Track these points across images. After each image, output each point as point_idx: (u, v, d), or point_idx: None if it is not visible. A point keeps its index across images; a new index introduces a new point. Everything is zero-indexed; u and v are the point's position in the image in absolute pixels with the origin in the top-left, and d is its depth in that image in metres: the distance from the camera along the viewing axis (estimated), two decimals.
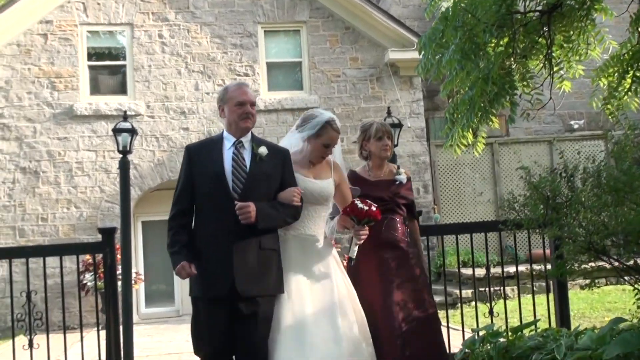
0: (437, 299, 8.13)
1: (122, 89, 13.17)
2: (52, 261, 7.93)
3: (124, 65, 13.19)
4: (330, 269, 4.57)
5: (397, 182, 5.08)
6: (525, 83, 5.91)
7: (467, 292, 11.17)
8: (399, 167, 5.23)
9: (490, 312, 6.09)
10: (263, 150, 4.34)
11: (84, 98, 12.94)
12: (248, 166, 4.31)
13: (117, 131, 7.59)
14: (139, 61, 13.08)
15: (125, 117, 7.80)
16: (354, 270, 4.80)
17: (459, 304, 7.08)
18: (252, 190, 4.24)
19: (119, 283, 6.04)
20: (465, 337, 5.57)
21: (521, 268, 8.49)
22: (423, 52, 5.81)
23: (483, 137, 6.72)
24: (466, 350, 5.14)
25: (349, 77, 13.54)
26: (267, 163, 4.33)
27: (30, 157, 12.69)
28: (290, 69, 13.69)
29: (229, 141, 4.40)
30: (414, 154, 13.54)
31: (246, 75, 13.24)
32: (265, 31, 13.56)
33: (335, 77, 13.50)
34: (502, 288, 6.59)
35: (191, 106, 13.02)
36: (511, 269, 9.94)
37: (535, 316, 6.27)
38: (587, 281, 5.16)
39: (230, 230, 4.17)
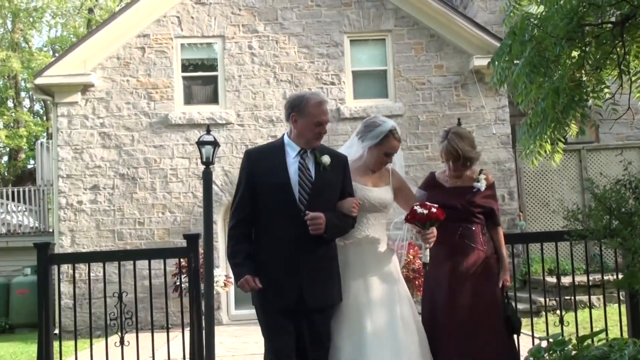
0: (522, 306, 8.18)
1: (214, 99, 13.74)
2: (151, 263, 8.49)
3: (216, 76, 13.75)
4: (391, 277, 4.53)
5: (474, 190, 4.85)
6: (596, 95, 5.95)
7: (552, 301, 11.15)
8: (481, 172, 4.97)
9: (561, 320, 6.14)
10: (326, 159, 4.28)
11: (178, 108, 13.58)
12: (313, 176, 4.25)
13: (200, 143, 8.02)
14: (229, 72, 13.61)
15: (208, 131, 8.21)
16: (428, 277, 4.85)
17: (543, 312, 7.15)
18: (318, 200, 4.18)
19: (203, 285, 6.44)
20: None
21: (608, 277, 8.42)
22: (492, 67, 5.96)
23: (560, 147, 6.75)
24: (531, 358, 5.24)
25: (434, 84, 13.66)
26: (329, 172, 4.28)
27: (128, 164, 13.42)
28: (376, 77, 13.92)
29: (292, 149, 4.32)
30: (499, 161, 13.52)
31: (332, 83, 13.57)
32: (351, 40, 13.86)
33: (420, 85, 13.64)
34: (583, 297, 6.64)
35: (279, 114, 13.44)
36: (597, 277, 9.84)
37: (607, 326, 6.28)
38: None
39: (296, 240, 4.12)
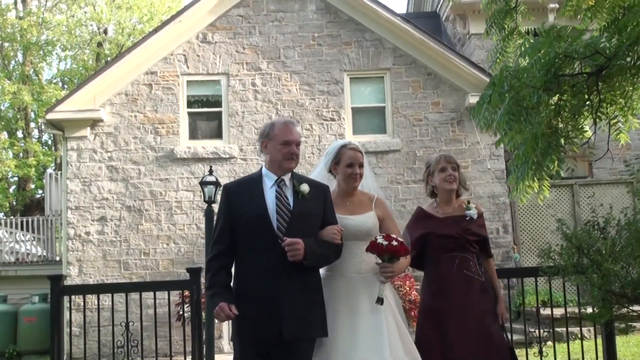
0: (516, 337, 8.54)
1: (218, 134, 14.23)
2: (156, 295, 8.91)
3: (220, 112, 14.25)
4: (382, 309, 4.33)
5: (467, 218, 4.84)
6: (570, 140, 6.40)
7: (546, 333, 11.44)
8: (469, 202, 5.01)
9: (540, 352, 6.53)
10: (305, 187, 4.25)
11: (183, 142, 14.07)
12: (292, 205, 4.21)
13: (203, 184, 8.50)
14: (233, 108, 14.11)
15: (210, 171, 8.68)
16: (426, 310, 4.78)
17: (536, 343, 7.50)
18: (297, 229, 4.12)
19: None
20: None
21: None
22: (476, 116, 6.42)
23: (546, 185, 7.18)
24: None
25: (431, 120, 14.13)
26: (309, 200, 4.25)
27: (135, 197, 13.88)
28: (375, 114, 14.40)
29: (269, 179, 4.30)
30: (494, 195, 13.93)
31: (332, 120, 14.05)
32: (351, 78, 14.36)
33: (417, 121, 14.11)
34: (574, 328, 6.96)
35: None
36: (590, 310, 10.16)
37: (583, 356, 6.66)
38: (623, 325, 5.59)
39: (275, 270, 4.05)
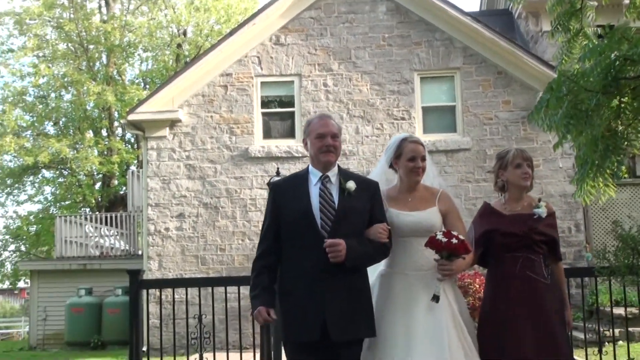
0: (589, 336, 8.56)
1: (290, 133, 14.62)
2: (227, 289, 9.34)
3: (293, 112, 14.64)
4: (442, 310, 4.16)
5: (535, 217, 4.56)
6: (630, 143, 6.46)
7: (617, 332, 11.42)
8: (539, 200, 4.75)
9: (600, 351, 6.61)
10: (351, 184, 4.11)
11: (257, 141, 14.51)
12: (336, 202, 4.09)
13: (270, 184, 8.83)
14: (305, 108, 14.47)
15: (277, 173, 9.02)
16: (485, 315, 4.52)
17: (609, 343, 7.55)
18: (341, 227, 4.02)
19: None
20: None
21: None
22: (533, 119, 6.55)
23: (613, 186, 7.25)
24: None
25: (501, 119, 14.15)
26: (355, 198, 4.11)
27: (211, 194, 14.40)
28: (445, 113, 14.52)
29: (314, 176, 4.18)
30: (566, 194, 13.85)
31: (403, 119, 14.24)
32: (421, 78, 14.52)
33: (487, 120, 14.16)
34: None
35: (352, 148, 14.19)
36: None
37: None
38: None
39: (319, 270, 3.96)
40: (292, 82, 14.74)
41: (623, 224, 5.93)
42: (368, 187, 4.23)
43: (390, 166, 4.56)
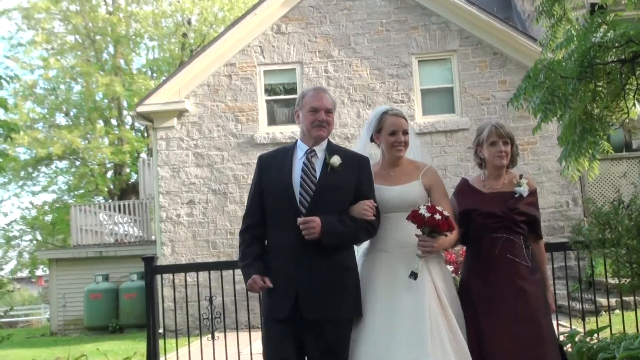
0: (587, 307, 8.95)
1: (294, 119, 14.99)
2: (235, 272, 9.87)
3: (295, 99, 15.03)
4: (424, 288, 3.97)
5: (516, 195, 4.34)
6: (604, 125, 6.92)
7: (612, 301, 11.90)
8: (521, 177, 4.45)
9: (582, 318, 7.08)
10: (335, 160, 3.95)
11: (262, 128, 15.00)
12: (318, 177, 3.94)
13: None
14: None
15: None
16: (463, 299, 4.23)
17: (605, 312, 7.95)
18: (321, 204, 3.87)
19: None
20: None
21: None
22: (513, 104, 7.00)
23: (597, 162, 7.71)
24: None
25: (498, 99, 14.55)
26: (340, 173, 3.94)
27: (219, 181, 14.92)
28: (443, 94, 14.94)
29: (301, 150, 4.05)
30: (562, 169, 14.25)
31: (402, 102, 14.67)
32: (419, 61, 14.93)
33: (484, 100, 14.58)
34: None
35: (354, 132, 14.64)
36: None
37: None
38: None
39: (297, 246, 3.83)
40: (294, 69, 15.18)
41: (623, 195, 6.40)
42: (356, 162, 4.05)
43: (372, 140, 4.37)
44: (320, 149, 4.04)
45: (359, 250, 4.28)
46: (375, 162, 4.33)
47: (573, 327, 7.14)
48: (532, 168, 14.23)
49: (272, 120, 15.17)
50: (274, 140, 14.80)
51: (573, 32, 7.18)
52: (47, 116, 27.72)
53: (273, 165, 4.07)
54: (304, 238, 3.79)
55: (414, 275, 3.92)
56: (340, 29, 15.03)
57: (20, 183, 28.61)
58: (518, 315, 4.13)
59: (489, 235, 4.28)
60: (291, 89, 15.23)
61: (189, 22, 28.06)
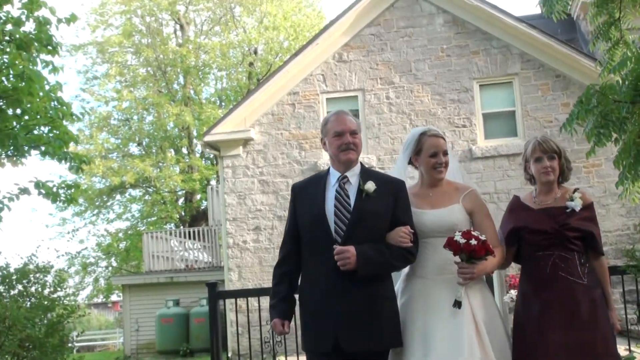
0: None
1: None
2: None
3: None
4: (462, 318, 3.84)
5: (567, 210, 4.14)
6: None
7: None
8: (575, 191, 4.25)
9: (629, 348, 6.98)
10: (370, 185, 3.83)
11: (325, 155, 15.17)
12: (352, 204, 3.82)
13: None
14: (370, 120, 15.14)
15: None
16: (518, 321, 4.17)
17: None
18: (357, 232, 3.76)
19: None
20: None
21: None
22: (567, 129, 7.04)
23: None
24: None
25: (561, 121, 14.23)
26: (375, 199, 3.82)
27: (284, 207, 15.19)
28: (505, 118, 14.94)
29: (334, 177, 3.93)
30: None
31: (464, 126, 14.73)
32: (480, 85, 14.99)
33: (547, 123, 14.50)
34: None
35: None
36: None
37: None
38: None
39: (333, 277, 3.73)
40: (356, 96, 15.43)
41: None
42: (392, 187, 3.94)
43: (410, 163, 4.26)
44: (352, 174, 3.93)
45: (399, 276, 4.19)
46: (414, 184, 4.26)
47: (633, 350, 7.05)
48: (598, 191, 14.05)
49: None
50: None
51: (629, 54, 7.18)
52: (121, 146, 28.67)
53: (306, 194, 3.97)
54: (339, 269, 3.70)
55: (457, 304, 3.83)
56: (401, 56, 15.23)
57: (95, 211, 29.59)
58: (571, 336, 3.93)
59: (541, 252, 4.12)
60: (354, 116, 15.41)
61: (255, 52, 28.71)
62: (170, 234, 22.12)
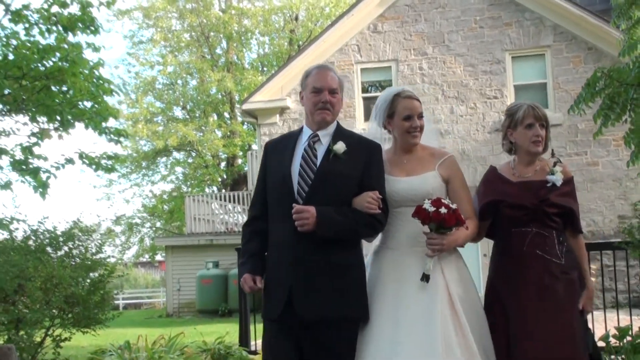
0: None
1: None
2: None
3: None
4: (435, 292, 3.55)
5: (548, 184, 3.84)
6: None
7: None
8: (555, 164, 3.91)
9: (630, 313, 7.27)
10: (339, 146, 3.54)
11: (359, 124, 15.65)
12: (318, 164, 3.53)
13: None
14: None
15: None
16: (488, 298, 3.91)
17: None
18: (320, 193, 3.47)
19: None
20: None
21: None
22: (574, 110, 7.37)
23: None
24: (601, 341, 6.58)
25: None
26: (344, 161, 3.53)
27: None
28: (536, 90, 15.15)
29: (305, 135, 3.65)
30: None
31: (495, 98, 14.98)
32: (512, 57, 15.19)
33: None
34: None
35: (447, 127, 15.09)
36: None
37: None
38: None
39: (292, 241, 3.44)
40: (390, 67, 15.77)
41: None
42: (365, 149, 3.62)
43: (383, 127, 3.91)
44: (325, 134, 3.63)
45: (370, 247, 3.89)
46: (387, 149, 3.88)
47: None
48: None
49: (368, 117, 15.73)
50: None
51: None
52: (165, 110, 29.40)
53: (276, 152, 3.70)
54: (300, 231, 3.41)
55: (425, 277, 3.54)
56: (435, 27, 15.47)
57: (141, 173, 30.48)
58: (548, 318, 3.70)
59: (518, 228, 3.82)
60: (387, 86, 15.76)
61: (296, 19, 29.03)
62: (212, 197, 22.81)
